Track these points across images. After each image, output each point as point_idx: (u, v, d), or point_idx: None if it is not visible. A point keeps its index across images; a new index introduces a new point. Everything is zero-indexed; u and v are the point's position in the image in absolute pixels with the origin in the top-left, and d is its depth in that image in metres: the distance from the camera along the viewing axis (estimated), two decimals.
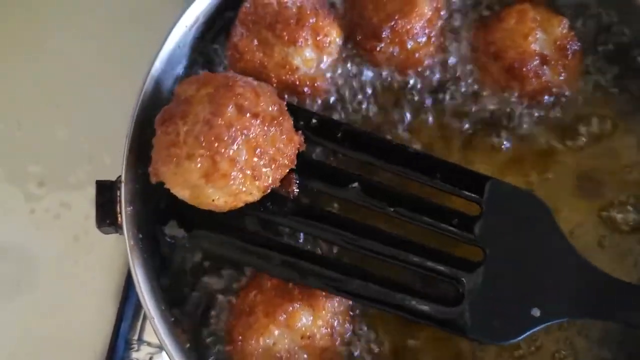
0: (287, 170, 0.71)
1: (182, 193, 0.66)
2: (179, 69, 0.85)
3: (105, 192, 0.76)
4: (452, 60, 0.86)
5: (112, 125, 0.80)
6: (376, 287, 0.72)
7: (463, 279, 0.72)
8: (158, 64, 0.78)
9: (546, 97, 0.84)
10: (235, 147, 0.64)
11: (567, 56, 0.84)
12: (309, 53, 0.82)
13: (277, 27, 0.80)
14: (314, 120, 0.77)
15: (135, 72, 0.78)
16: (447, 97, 0.85)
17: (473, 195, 0.76)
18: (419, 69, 0.85)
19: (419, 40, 0.83)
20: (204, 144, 0.63)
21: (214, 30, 0.86)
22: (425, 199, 0.76)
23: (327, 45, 0.82)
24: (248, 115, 0.65)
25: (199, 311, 0.78)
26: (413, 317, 0.72)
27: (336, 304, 0.74)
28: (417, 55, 0.84)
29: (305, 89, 0.82)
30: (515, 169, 0.83)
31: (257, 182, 0.66)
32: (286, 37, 0.80)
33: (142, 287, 0.72)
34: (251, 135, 0.65)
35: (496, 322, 0.71)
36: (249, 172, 0.65)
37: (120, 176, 0.75)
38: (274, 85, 0.82)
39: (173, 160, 0.64)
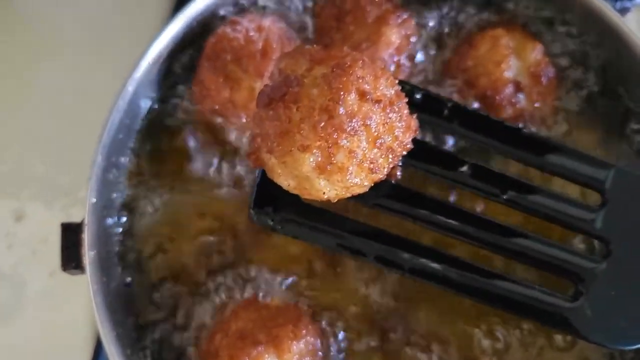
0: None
1: (286, 182, 0.59)
2: (143, 107, 0.84)
3: (71, 235, 0.75)
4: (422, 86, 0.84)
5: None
6: (480, 277, 0.68)
7: (583, 274, 0.67)
8: (122, 104, 0.77)
9: (521, 124, 0.82)
10: (355, 138, 0.57)
11: (541, 83, 0.81)
12: None
13: (242, 61, 0.79)
14: (417, 96, 0.71)
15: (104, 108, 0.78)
16: None
17: (595, 183, 0.70)
18: None
19: (388, 68, 0.82)
20: (322, 135, 0.55)
21: (179, 67, 0.85)
22: (541, 186, 0.70)
23: None
24: (370, 102, 0.57)
25: (166, 355, 0.76)
26: (519, 312, 0.68)
27: (302, 345, 0.72)
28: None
29: None
30: None
31: (373, 175, 0.60)
32: (252, 71, 0.79)
33: (106, 333, 0.71)
34: (372, 125, 0.58)
35: (623, 323, 0.66)
36: (366, 164, 0.58)
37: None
38: (245, 121, 0.81)
39: (284, 148, 0.57)
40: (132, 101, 0.79)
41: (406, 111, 0.62)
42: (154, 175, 0.82)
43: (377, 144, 0.59)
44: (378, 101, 0.58)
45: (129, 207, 0.80)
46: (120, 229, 0.79)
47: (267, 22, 0.82)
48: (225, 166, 0.82)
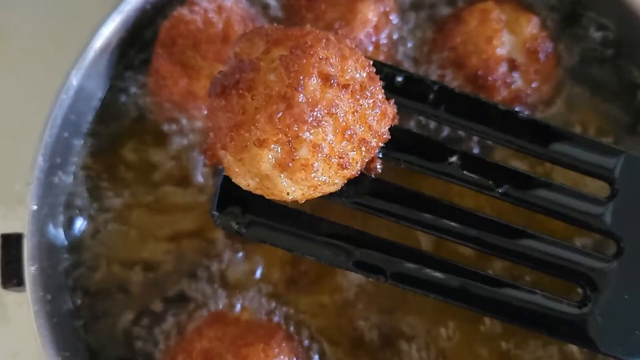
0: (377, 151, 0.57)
1: (245, 183, 0.53)
2: (94, 103, 0.75)
3: (11, 248, 0.66)
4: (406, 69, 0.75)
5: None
6: (477, 284, 0.60)
7: (591, 275, 0.60)
8: (65, 99, 0.69)
9: (518, 107, 0.73)
10: (320, 130, 0.49)
11: (539, 60, 0.72)
12: None
13: (201, 46, 0.70)
14: (398, 79, 0.62)
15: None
16: None
17: (603, 172, 0.62)
18: None
19: (365, 49, 0.73)
20: (280, 127, 0.48)
21: (133, 55, 0.76)
22: (541, 178, 0.63)
23: None
24: (335, 86, 0.50)
25: None
26: (525, 323, 0.60)
27: None
28: None
29: None
30: None
31: (344, 171, 0.52)
32: (212, 57, 0.70)
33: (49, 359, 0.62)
34: (339, 113, 0.50)
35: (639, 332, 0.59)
36: (335, 160, 0.51)
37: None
38: (205, 112, 0.72)
39: (238, 144, 0.50)
40: (78, 95, 0.70)
41: (381, 96, 0.55)
42: (106, 179, 0.73)
43: (347, 135, 0.51)
44: (345, 86, 0.51)
45: (77, 215, 0.71)
46: (67, 241, 0.70)
47: (228, 1, 0.73)
48: (186, 166, 0.73)
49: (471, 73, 0.72)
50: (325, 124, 0.50)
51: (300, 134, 0.49)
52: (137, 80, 0.76)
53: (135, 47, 0.76)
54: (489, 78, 0.71)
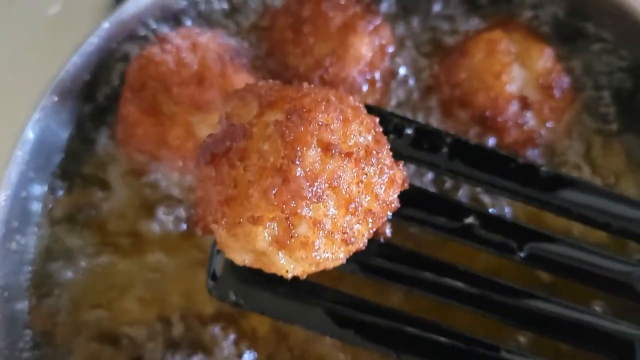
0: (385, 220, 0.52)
1: (240, 258, 0.48)
2: (56, 156, 0.67)
3: None
4: (406, 110, 0.67)
5: None
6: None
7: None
8: (21, 155, 0.61)
9: (530, 150, 0.65)
10: (321, 205, 0.45)
11: (553, 96, 0.65)
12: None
13: (173, 90, 0.63)
14: (408, 131, 0.57)
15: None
16: None
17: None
18: None
19: (359, 89, 0.65)
20: (275, 203, 0.44)
21: (101, 97, 0.69)
22: (571, 240, 0.57)
23: None
24: (337, 156, 0.45)
25: None
26: None
27: None
28: None
29: None
30: None
31: (348, 247, 0.47)
32: (186, 102, 0.62)
33: None
34: (342, 185, 0.45)
35: None
36: (338, 235, 0.46)
37: None
38: (180, 165, 0.65)
39: (231, 220, 0.45)
40: (36, 150, 0.62)
41: (389, 161, 0.49)
42: (73, 233, 0.66)
43: (351, 209, 0.46)
44: (348, 154, 0.46)
45: (38, 282, 0.64)
46: (28, 307, 0.63)
47: (204, 38, 0.66)
48: (164, 220, 0.65)
49: (478, 113, 0.65)
50: (327, 198, 0.45)
51: (298, 211, 0.44)
52: (104, 130, 0.68)
53: (104, 90, 0.68)
54: (499, 119, 0.64)
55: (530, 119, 0.65)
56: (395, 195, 0.49)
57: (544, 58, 0.65)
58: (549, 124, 0.65)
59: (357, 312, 0.55)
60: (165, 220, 0.66)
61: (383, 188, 0.48)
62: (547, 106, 0.65)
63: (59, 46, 0.65)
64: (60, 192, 0.67)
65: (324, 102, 0.46)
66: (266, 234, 0.45)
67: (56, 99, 0.63)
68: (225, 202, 0.45)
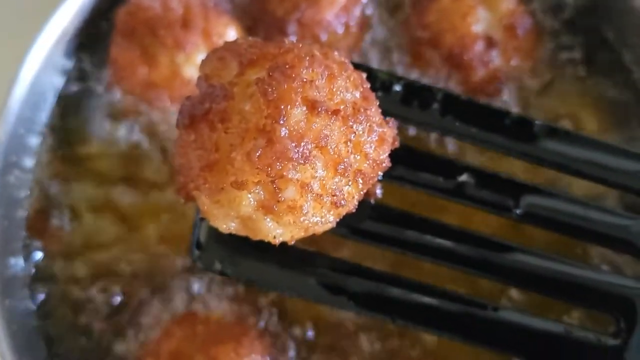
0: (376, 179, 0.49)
1: (225, 226, 0.45)
2: (50, 98, 0.71)
3: None
4: (377, 51, 0.71)
5: None
6: (502, 320, 0.54)
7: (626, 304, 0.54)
8: (18, 94, 0.65)
9: (497, 85, 0.69)
10: (308, 167, 0.42)
11: (517, 36, 0.69)
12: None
13: (160, 33, 0.67)
14: (396, 87, 0.54)
15: None
16: None
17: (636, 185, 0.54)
18: None
19: (334, 31, 0.69)
20: (260, 166, 0.41)
21: (92, 44, 0.73)
22: (568, 194, 0.56)
23: None
24: (323, 114, 0.42)
25: None
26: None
27: None
28: (334, 49, 0.70)
29: None
30: None
31: (338, 210, 0.45)
32: (172, 44, 0.67)
33: None
34: (330, 145, 0.43)
35: None
36: (327, 198, 0.44)
37: None
38: (170, 103, 0.69)
39: (213, 186, 0.43)
40: (32, 89, 0.67)
41: (378, 118, 0.46)
42: (69, 178, 0.70)
43: (340, 170, 0.44)
44: (335, 112, 0.43)
45: (37, 216, 0.68)
46: (26, 243, 0.67)
47: None
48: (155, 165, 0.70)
49: (446, 52, 0.68)
50: (314, 159, 0.42)
51: (284, 173, 0.41)
52: (97, 71, 0.72)
53: (96, 35, 0.72)
54: (465, 57, 0.68)
55: (495, 58, 0.69)
56: (386, 154, 0.47)
57: (507, 0, 0.69)
58: (513, 62, 0.69)
59: (349, 278, 0.53)
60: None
61: (373, 147, 0.45)
62: (511, 45, 0.69)
63: None
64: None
65: (307, 58, 0.43)
66: (251, 199, 0.42)
67: (52, 42, 0.68)
68: (206, 167, 0.43)
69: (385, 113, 0.47)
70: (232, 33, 0.69)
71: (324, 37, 0.69)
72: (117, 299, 0.66)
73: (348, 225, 0.50)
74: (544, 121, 0.55)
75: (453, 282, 0.59)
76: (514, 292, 0.62)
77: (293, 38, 0.68)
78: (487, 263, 0.54)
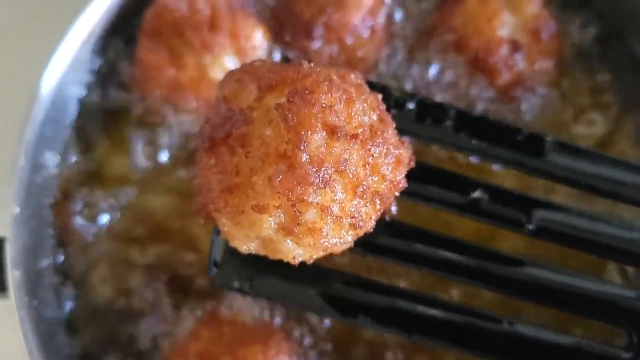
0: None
1: (245, 247, 0.46)
2: (75, 96, 0.71)
3: None
4: (403, 55, 0.72)
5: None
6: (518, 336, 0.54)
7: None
8: (46, 94, 0.65)
9: (521, 91, 0.70)
10: (328, 190, 0.43)
11: (541, 40, 0.69)
12: (230, 61, 0.68)
13: (187, 34, 0.67)
14: (409, 106, 0.55)
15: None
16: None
17: None
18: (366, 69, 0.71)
19: (360, 35, 0.69)
20: (281, 191, 0.42)
21: (119, 44, 0.73)
22: (581, 209, 0.55)
23: (251, 50, 0.69)
24: (343, 139, 0.43)
25: None
26: None
27: None
28: (359, 53, 0.70)
29: None
30: None
31: (357, 231, 0.46)
32: (199, 45, 0.67)
33: None
34: (349, 169, 0.44)
35: None
36: (346, 221, 0.45)
37: None
38: (196, 105, 0.69)
39: (234, 209, 0.44)
40: (59, 90, 0.67)
41: (395, 140, 0.47)
42: (94, 178, 0.70)
43: (359, 192, 0.44)
44: (354, 136, 0.44)
45: (62, 216, 0.68)
46: (53, 243, 0.67)
47: None
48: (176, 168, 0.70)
49: (472, 56, 0.69)
50: (334, 183, 0.43)
51: (305, 198, 0.42)
52: (123, 72, 0.72)
53: (122, 36, 0.73)
54: (490, 61, 0.68)
55: (520, 61, 0.69)
56: (403, 175, 0.48)
57: (532, 5, 0.70)
58: (537, 66, 0.70)
59: (369, 295, 0.54)
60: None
61: (390, 169, 0.46)
62: (536, 49, 0.69)
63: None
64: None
65: (326, 83, 0.44)
66: (272, 222, 0.43)
67: (79, 43, 0.67)
68: (227, 191, 0.43)
69: (399, 130, 0.48)
70: (259, 35, 0.69)
71: (350, 40, 0.69)
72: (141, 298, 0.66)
73: (364, 243, 0.49)
74: (555, 137, 0.54)
75: (465, 296, 0.60)
76: (528, 306, 0.60)
77: (319, 41, 0.69)
78: (500, 278, 0.54)
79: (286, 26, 0.71)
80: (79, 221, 0.68)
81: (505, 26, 0.69)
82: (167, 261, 0.67)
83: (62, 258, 0.67)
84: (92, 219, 0.68)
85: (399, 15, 0.73)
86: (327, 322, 0.65)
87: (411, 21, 0.73)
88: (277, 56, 0.71)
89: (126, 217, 0.68)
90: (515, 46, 0.69)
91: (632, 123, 0.71)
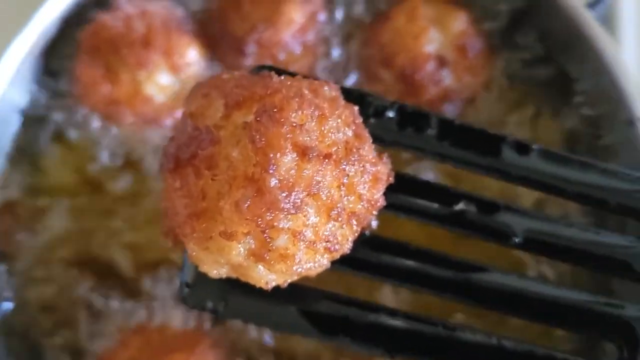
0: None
1: (214, 271, 0.44)
2: (14, 119, 0.73)
3: None
4: (335, 70, 0.74)
5: None
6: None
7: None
8: None
9: (447, 105, 0.71)
10: (300, 215, 0.40)
11: (468, 56, 0.71)
12: (164, 78, 0.70)
13: (122, 51, 0.69)
14: (389, 114, 0.52)
15: None
16: None
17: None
18: None
19: (292, 51, 0.72)
20: (249, 217, 0.39)
21: (59, 64, 0.75)
22: (567, 219, 0.56)
23: (185, 66, 0.71)
24: (315, 159, 0.40)
25: None
26: None
27: None
28: (292, 69, 0.72)
29: (168, 121, 0.72)
30: None
31: (332, 254, 0.44)
32: (134, 62, 0.69)
33: None
34: (322, 191, 0.41)
35: None
36: (320, 245, 0.42)
37: None
38: (132, 120, 0.71)
39: (201, 235, 0.41)
40: (1, 101, 0.69)
41: (372, 156, 0.44)
42: (36, 193, 0.73)
43: (333, 215, 0.42)
44: (327, 155, 0.41)
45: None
46: None
47: (152, 6, 0.72)
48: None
49: (399, 72, 0.71)
50: (306, 207, 0.40)
51: (275, 223, 0.39)
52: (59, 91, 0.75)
53: (63, 54, 0.75)
54: (416, 77, 0.70)
55: (446, 77, 0.71)
56: (380, 193, 0.45)
57: (459, 22, 0.71)
58: (464, 81, 0.71)
59: (350, 313, 0.50)
60: None
61: (367, 187, 0.43)
62: (462, 65, 0.71)
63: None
64: None
65: (296, 99, 0.41)
66: (241, 249, 0.41)
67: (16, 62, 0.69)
68: (194, 216, 0.41)
69: (379, 140, 0.47)
70: (193, 52, 0.71)
71: (281, 57, 0.71)
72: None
73: (342, 260, 0.46)
74: (542, 145, 0.52)
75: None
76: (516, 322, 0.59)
77: (251, 58, 0.71)
78: (482, 291, 0.51)
79: (220, 43, 0.73)
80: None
81: (432, 42, 0.71)
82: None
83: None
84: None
85: (331, 33, 0.75)
86: (253, 331, 0.67)
87: (344, 38, 0.75)
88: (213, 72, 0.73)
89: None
90: (441, 62, 0.70)
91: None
